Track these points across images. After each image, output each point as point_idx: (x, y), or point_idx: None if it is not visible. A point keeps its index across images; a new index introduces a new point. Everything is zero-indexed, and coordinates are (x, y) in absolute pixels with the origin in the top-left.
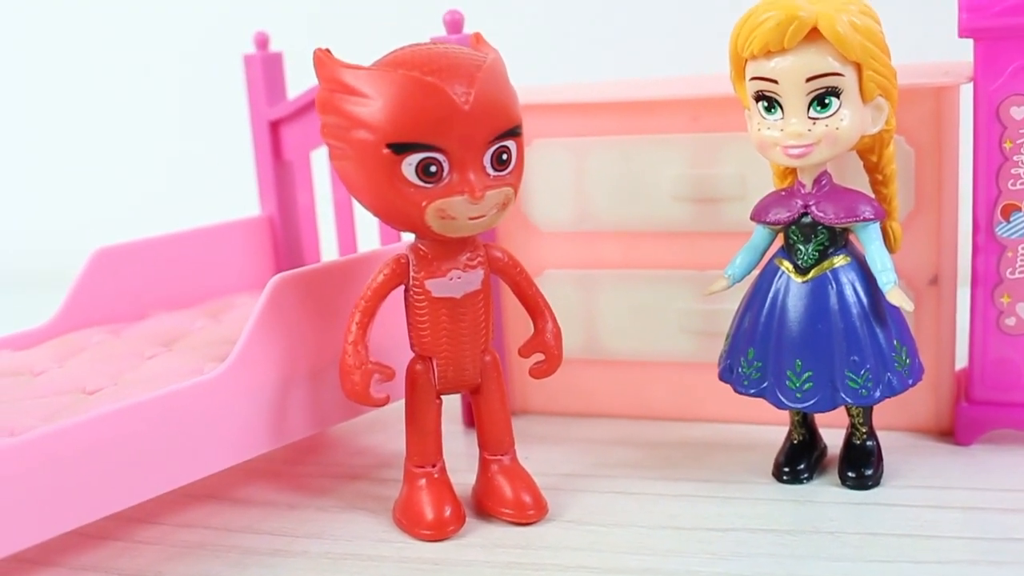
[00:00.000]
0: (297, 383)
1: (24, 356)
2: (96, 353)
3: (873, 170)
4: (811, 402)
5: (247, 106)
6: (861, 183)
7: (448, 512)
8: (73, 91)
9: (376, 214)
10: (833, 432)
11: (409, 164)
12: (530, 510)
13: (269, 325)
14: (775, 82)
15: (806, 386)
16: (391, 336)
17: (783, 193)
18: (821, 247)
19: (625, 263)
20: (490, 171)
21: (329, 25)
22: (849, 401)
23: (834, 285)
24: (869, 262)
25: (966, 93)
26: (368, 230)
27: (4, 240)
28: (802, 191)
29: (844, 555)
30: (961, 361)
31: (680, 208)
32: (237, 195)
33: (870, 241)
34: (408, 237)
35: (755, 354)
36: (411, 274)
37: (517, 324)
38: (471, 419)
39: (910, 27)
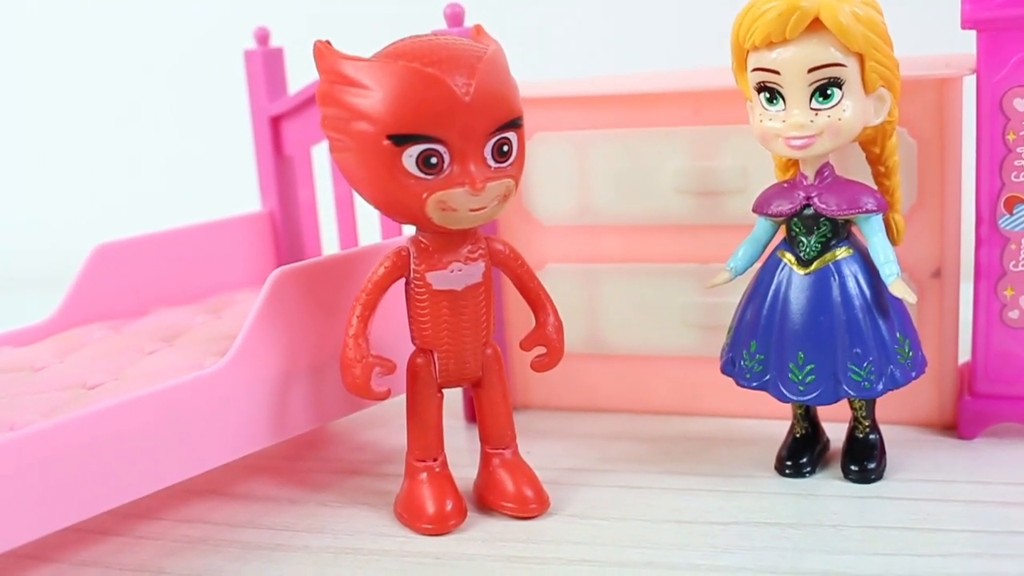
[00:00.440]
0: (298, 377)
1: (25, 352)
2: (97, 349)
3: (875, 162)
4: (813, 395)
5: (248, 101)
6: (863, 175)
7: (449, 506)
8: (74, 88)
9: (377, 206)
10: (836, 426)
11: (410, 156)
12: (532, 504)
13: (270, 319)
14: (777, 73)
15: (808, 379)
16: (392, 329)
17: (785, 185)
18: (823, 239)
19: (627, 256)
20: (491, 163)
21: (330, 20)
22: (852, 394)
23: (836, 277)
24: (872, 254)
25: (969, 85)
26: (369, 226)
27: (5, 237)
28: (804, 183)
29: (847, 548)
30: (964, 355)
31: (682, 201)
32: (238, 191)
33: (873, 233)
34: (409, 231)
35: (757, 347)
36: (412, 267)
37: (518, 318)
38: (472, 414)
39: (913, 18)
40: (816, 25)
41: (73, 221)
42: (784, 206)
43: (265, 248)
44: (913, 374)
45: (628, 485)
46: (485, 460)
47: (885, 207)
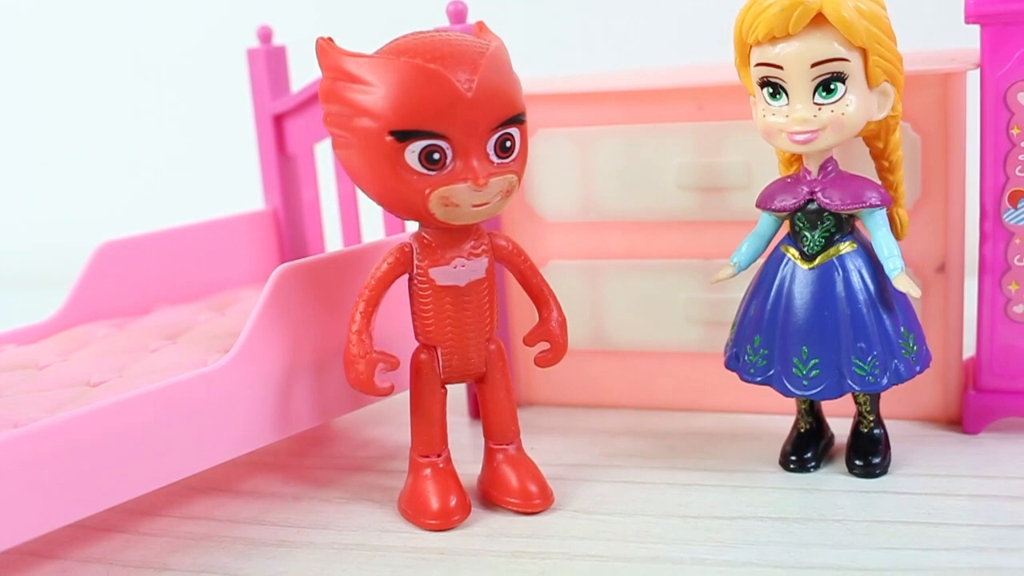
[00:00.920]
0: (301, 374)
1: (29, 350)
2: (101, 346)
3: (879, 156)
4: (818, 389)
5: (251, 100)
6: (867, 170)
7: (453, 502)
8: (77, 87)
9: (379, 202)
10: (840, 421)
11: (412, 151)
12: (536, 499)
13: (273, 316)
14: (780, 68)
15: (813, 373)
16: (395, 325)
17: (789, 180)
18: (827, 234)
19: (630, 253)
20: (494, 158)
21: (332, 17)
22: (856, 388)
23: (840, 272)
24: (876, 248)
25: (973, 79)
26: (372, 224)
27: (9, 236)
28: (808, 178)
29: (852, 543)
30: (969, 349)
31: (685, 197)
32: (241, 189)
33: (876, 227)
34: (412, 227)
35: (761, 342)
36: (415, 262)
37: (522, 314)
38: (476, 411)
39: (916, 13)
40: (819, 20)
41: (77, 219)
42: (788, 201)
43: (268, 246)
44: (917, 368)
45: (632, 481)
46: (489, 456)
47: (889, 202)
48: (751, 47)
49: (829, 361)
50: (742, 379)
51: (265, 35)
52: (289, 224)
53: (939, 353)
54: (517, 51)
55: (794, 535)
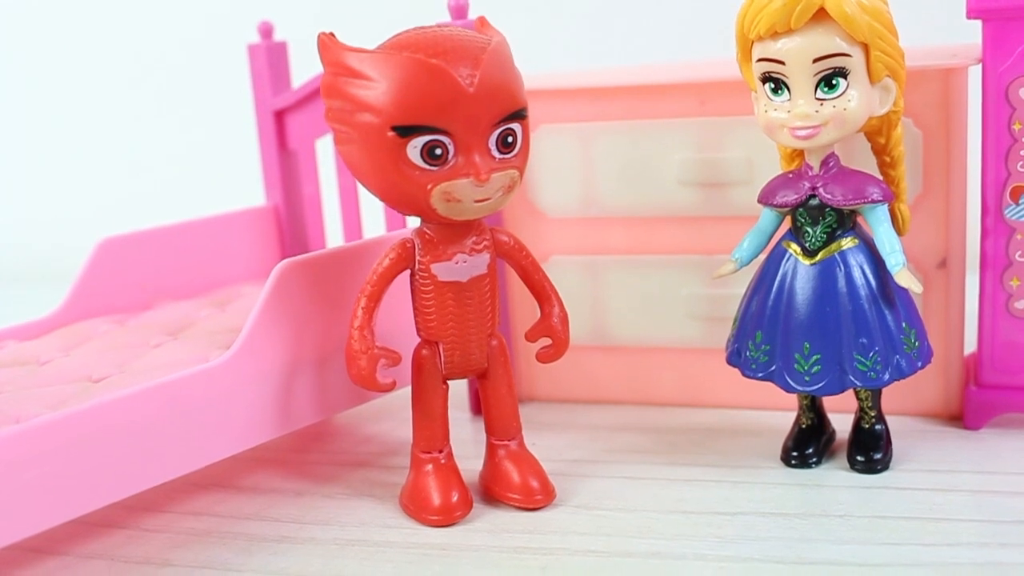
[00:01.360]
0: (303, 370)
1: (31, 346)
2: (102, 342)
3: (881, 152)
4: (819, 385)
5: (252, 96)
6: (869, 165)
7: (455, 497)
8: (78, 82)
9: (381, 198)
10: (842, 417)
11: (414, 147)
12: (537, 495)
13: (275, 311)
14: (782, 63)
15: (814, 369)
16: (397, 321)
17: (790, 175)
18: (829, 229)
19: (632, 248)
20: (495, 154)
21: (333, 13)
22: (858, 384)
23: (842, 267)
24: (877, 244)
25: (975, 75)
26: (374, 219)
27: (10, 231)
28: (809, 173)
29: (853, 538)
30: (970, 345)
31: (687, 192)
32: (242, 185)
33: (878, 223)
34: (414, 224)
35: (763, 337)
36: (417, 258)
37: (523, 310)
38: (478, 406)
39: (918, 8)
40: (821, 15)
41: (78, 215)
42: (789, 196)
43: (270, 242)
44: (919, 364)
45: (633, 476)
46: (491, 451)
47: (891, 197)
48: (753, 42)
49: (831, 357)
50: (744, 375)
51: (266, 31)
52: (290, 220)
53: (940, 349)
54: (519, 46)
55: (795, 531)
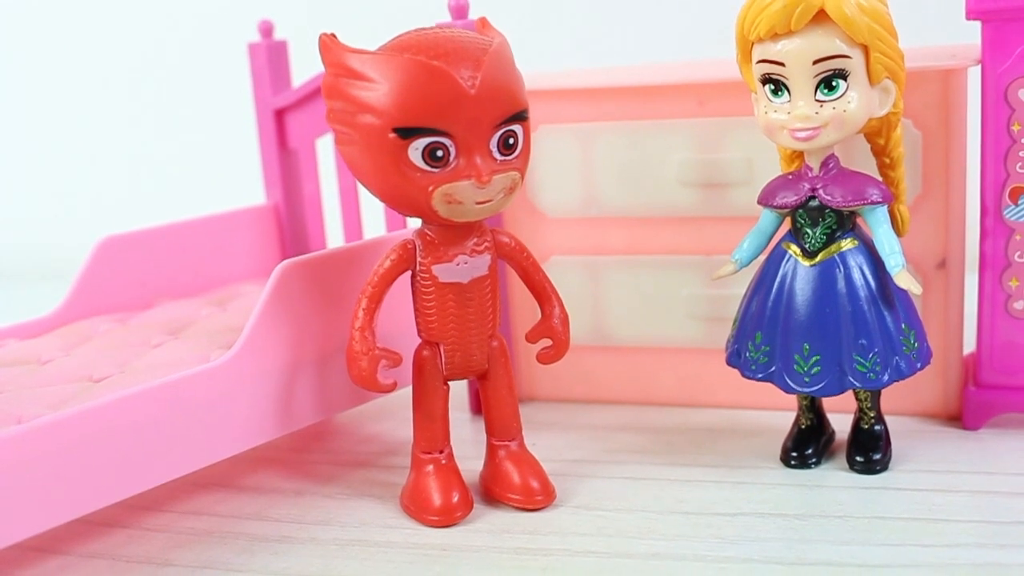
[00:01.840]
0: (304, 370)
1: (31, 345)
2: (103, 342)
3: (880, 153)
4: (819, 386)
5: (252, 95)
6: (868, 166)
7: (456, 498)
8: (78, 81)
9: (382, 199)
10: (841, 417)
11: (415, 148)
12: (538, 496)
13: (276, 312)
14: (782, 65)
15: (814, 370)
16: (398, 322)
17: (790, 177)
18: (828, 230)
19: (632, 249)
20: (497, 155)
21: (333, 13)
22: (857, 385)
23: (842, 268)
24: (877, 245)
25: (974, 76)
26: (374, 218)
27: (10, 230)
28: (809, 174)
29: (853, 539)
30: (969, 345)
31: (687, 193)
32: (242, 184)
33: (878, 224)
34: (414, 224)
35: (763, 338)
36: (418, 259)
37: (524, 310)
38: (478, 406)
39: (917, 9)
40: (821, 16)
41: (78, 214)
42: (789, 198)
43: (270, 241)
44: (919, 365)
45: (634, 477)
46: (491, 452)
47: (890, 198)
48: (753, 44)
49: (830, 358)
50: (743, 375)
51: (266, 30)
52: (290, 219)
53: (939, 349)
54: (519, 47)
55: (795, 531)
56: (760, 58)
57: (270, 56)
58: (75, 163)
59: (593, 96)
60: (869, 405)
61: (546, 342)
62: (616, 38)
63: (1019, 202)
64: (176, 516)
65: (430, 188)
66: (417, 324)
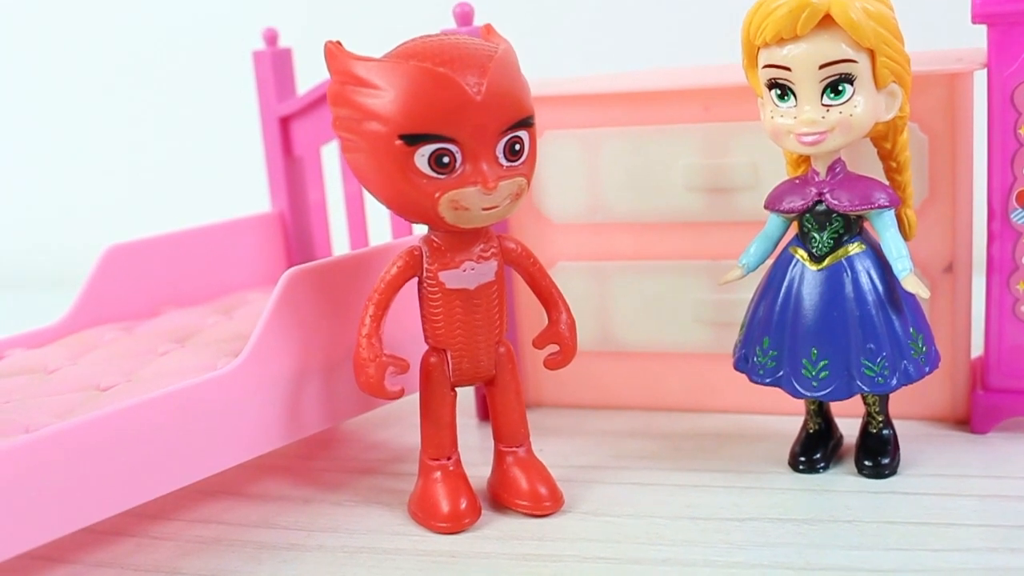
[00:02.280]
0: (311, 377)
1: (38, 354)
2: (109, 350)
3: (887, 157)
4: (827, 391)
5: (257, 102)
6: (875, 170)
7: (464, 504)
8: (84, 89)
9: (389, 206)
10: (849, 421)
11: (422, 155)
12: (546, 502)
13: (283, 319)
14: (788, 69)
15: (822, 375)
16: (405, 329)
17: (797, 181)
18: (836, 235)
19: (638, 254)
20: (503, 161)
21: (338, 20)
22: (865, 389)
23: (849, 273)
24: (884, 249)
25: (980, 79)
26: (379, 226)
27: (16, 238)
28: (816, 179)
29: (862, 543)
30: (977, 349)
31: (693, 198)
32: (248, 191)
33: (885, 228)
34: (421, 231)
35: (770, 343)
36: (424, 266)
37: (531, 316)
38: (485, 413)
39: (923, 13)
40: (827, 21)
41: (83, 223)
42: (796, 202)
43: (275, 248)
44: (927, 369)
45: (642, 482)
46: (499, 458)
47: (897, 202)
48: (759, 49)
49: (838, 362)
50: (751, 380)
51: (271, 37)
52: (296, 226)
53: (947, 353)
54: (524, 53)
55: (804, 536)
56: (766, 63)
57: (275, 64)
58: (80, 171)
59: (598, 101)
60: (877, 409)
61: (553, 348)
62: (621, 43)
63: None
64: (184, 524)
65: (436, 194)
66: (424, 330)
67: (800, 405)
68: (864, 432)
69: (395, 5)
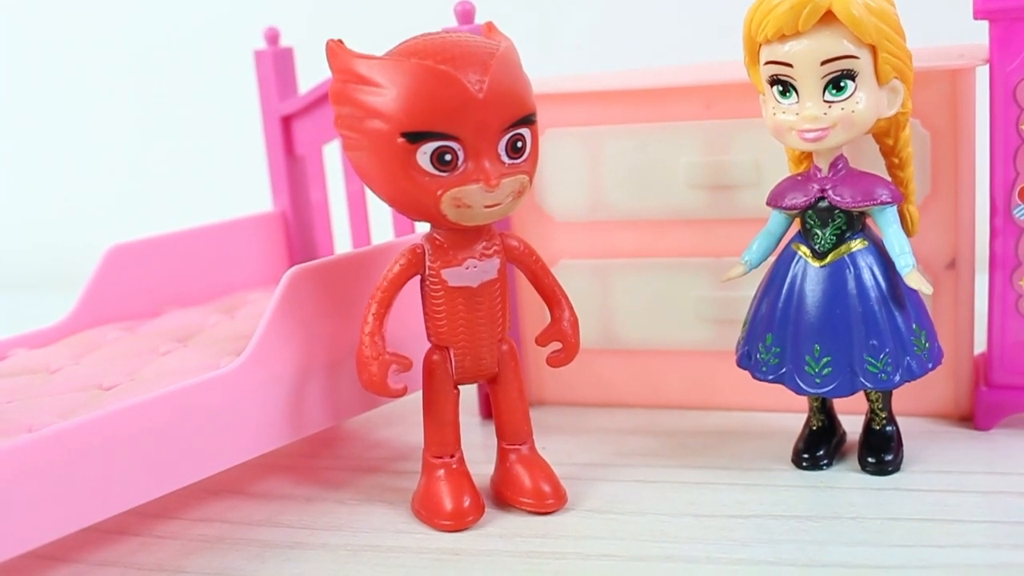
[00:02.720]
0: (314, 376)
1: (40, 354)
2: (112, 350)
3: (889, 153)
4: (830, 387)
5: (258, 101)
6: (877, 167)
7: (467, 502)
8: (85, 89)
9: (391, 204)
10: (852, 418)
11: (424, 153)
12: (549, 499)
13: (285, 318)
14: (790, 66)
15: (825, 371)
16: (408, 327)
17: (799, 178)
18: (838, 231)
19: (640, 251)
20: (505, 159)
21: (339, 19)
22: (868, 386)
23: (852, 269)
24: (887, 246)
25: (982, 75)
26: (382, 225)
27: (18, 238)
28: (818, 175)
29: (865, 540)
30: (980, 345)
31: (695, 195)
32: (250, 191)
33: (887, 225)
34: (423, 229)
35: (773, 340)
36: (427, 264)
37: (533, 314)
38: (487, 410)
39: (925, 9)
40: (829, 17)
41: (86, 222)
42: (798, 199)
43: (277, 247)
44: (930, 365)
45: (645, 479)
46: (502, 456)
47: (900, 199)
48: (761, 45)
49: (841, 359)
50: (754, 377)
51: (272, 37)
52: (298, 225)
53: (950, 349)
54: (525, 51)
55: (808, 533)
56: (768, 59)
57: (276, 63)
58: (82, 171)
59: (600, 99)
60: (880, 406)
61: (556, 345)
62: (623, 41)
63: None
64: (187, 523)
65: (439, 192)
66: (427, 328)
67: (803, 402)
68: (867, 429)
69: (396, 3)
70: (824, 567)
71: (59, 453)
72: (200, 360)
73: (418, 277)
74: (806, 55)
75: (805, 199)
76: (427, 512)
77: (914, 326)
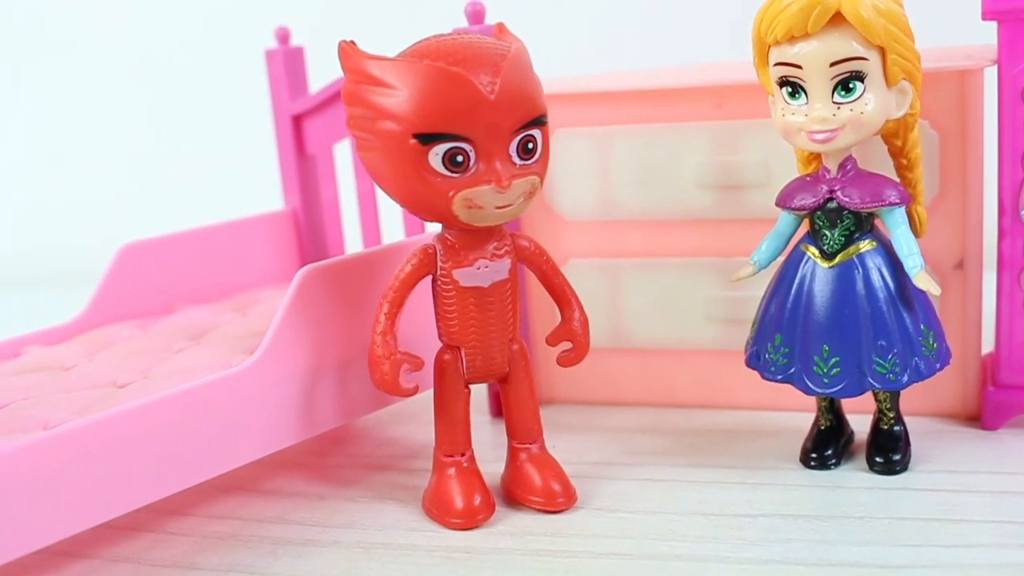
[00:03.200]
0: (326, 374)
1: (54, 351)
2: (125, 347)
3: (898, 154)
4: (838, 387)
5: (270, 101)
6: (886, 168)
7: (478, 500)
8: (98, 87)
9: (403, 204)
10: (860, 418)
11: (436, 154)
12: (559, 498)
13: (297, 317)
14: (799, 67)
15: (833, 371)
16: (419, 326)
17: (808, 179)
18: (847, 232)
19: (650, 251)
20: (516, 160)
21: (350, 19)
22: (877, 386)
23: (860, 270)
24: (895, 246)
25: (990, 76)
26: (392, 223)
27: (32, 236)
28: (827, 176)
29: (873, 539)
30: (987, 345)
31: (704, 195)
32: (261, 189)
33: (896, 225)
34: (433, 228)
35: (782, 340)
36: (438, 264)
37: (544, 313)
38: (498, 409)
39: (934, 10)
40: (838, 19)
41: (98, 221)
42: (807, 200)
43: (288, 246)
44: (938, 366)
45: (654, 478)
46: (512, 455)
47: (908, 199)
48: (770, 46)
49: (850, 359)
50: (763, 377)
51: (283, 36)
52: (309, 224)
53: (958, 349)
54: (535, 51)
55: (816, 532)
56: (777, 60)
57: (287, 62)
58: (94, 170)
59: (610, 99)
60: (888, 406)
61: (566, 345)
62: (632, 41)
63: None
64: (200, 520)
65: (450, 193)
66: (438, 328)
67: (811, 402)
68: (875, 428)
69: (407, 4)
70: (832, 566)
71: (75, 450)
72: (213, 358)
73: (429, 277)
74: (815, 56)
75: (814, 200)
76: (438, 510)
77: (922, 326)
